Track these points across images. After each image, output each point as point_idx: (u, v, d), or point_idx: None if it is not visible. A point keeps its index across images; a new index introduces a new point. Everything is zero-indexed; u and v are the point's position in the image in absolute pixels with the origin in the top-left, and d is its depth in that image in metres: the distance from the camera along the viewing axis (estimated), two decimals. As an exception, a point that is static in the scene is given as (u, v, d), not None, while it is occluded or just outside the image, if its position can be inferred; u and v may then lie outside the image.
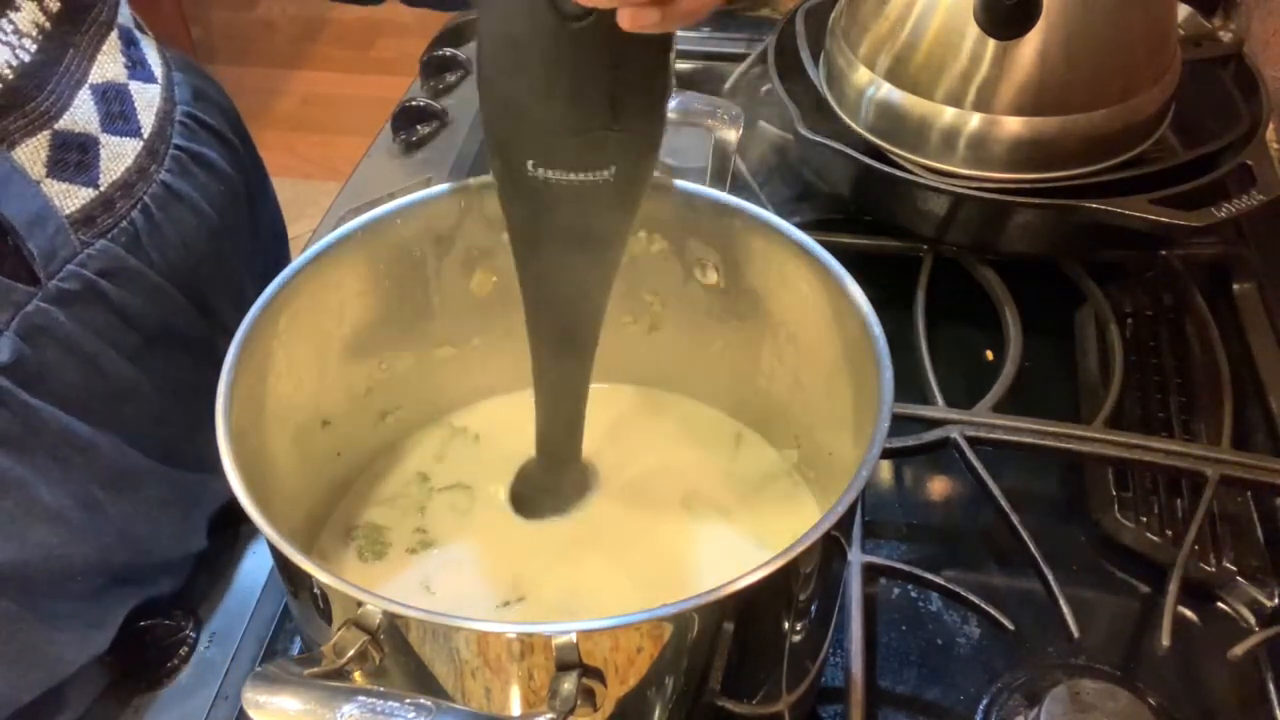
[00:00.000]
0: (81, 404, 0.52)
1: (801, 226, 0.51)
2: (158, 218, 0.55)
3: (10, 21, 0.50)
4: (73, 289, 0.51)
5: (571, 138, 0.39)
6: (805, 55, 0.84)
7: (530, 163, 0.40)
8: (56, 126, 0.51)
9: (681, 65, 1.00)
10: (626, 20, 0.35)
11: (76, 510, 0.52)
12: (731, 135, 0.61)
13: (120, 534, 0.54)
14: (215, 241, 0.60)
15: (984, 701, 0.55)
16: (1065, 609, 0.55)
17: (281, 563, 0.40)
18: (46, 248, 0.49)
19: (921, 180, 0.72)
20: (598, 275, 0.45)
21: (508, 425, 0.61)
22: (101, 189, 0.53)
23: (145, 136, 0.56)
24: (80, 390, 0.52)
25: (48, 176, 0.50)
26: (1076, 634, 0.54)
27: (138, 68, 0.57)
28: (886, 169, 0.73)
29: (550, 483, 0.55)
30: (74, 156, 0.51)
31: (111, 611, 0.56)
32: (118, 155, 0.54)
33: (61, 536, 0.51)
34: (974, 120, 0.72)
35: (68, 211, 0.51)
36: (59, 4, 0.52)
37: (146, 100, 0.56)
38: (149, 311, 0.55)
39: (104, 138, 0.53)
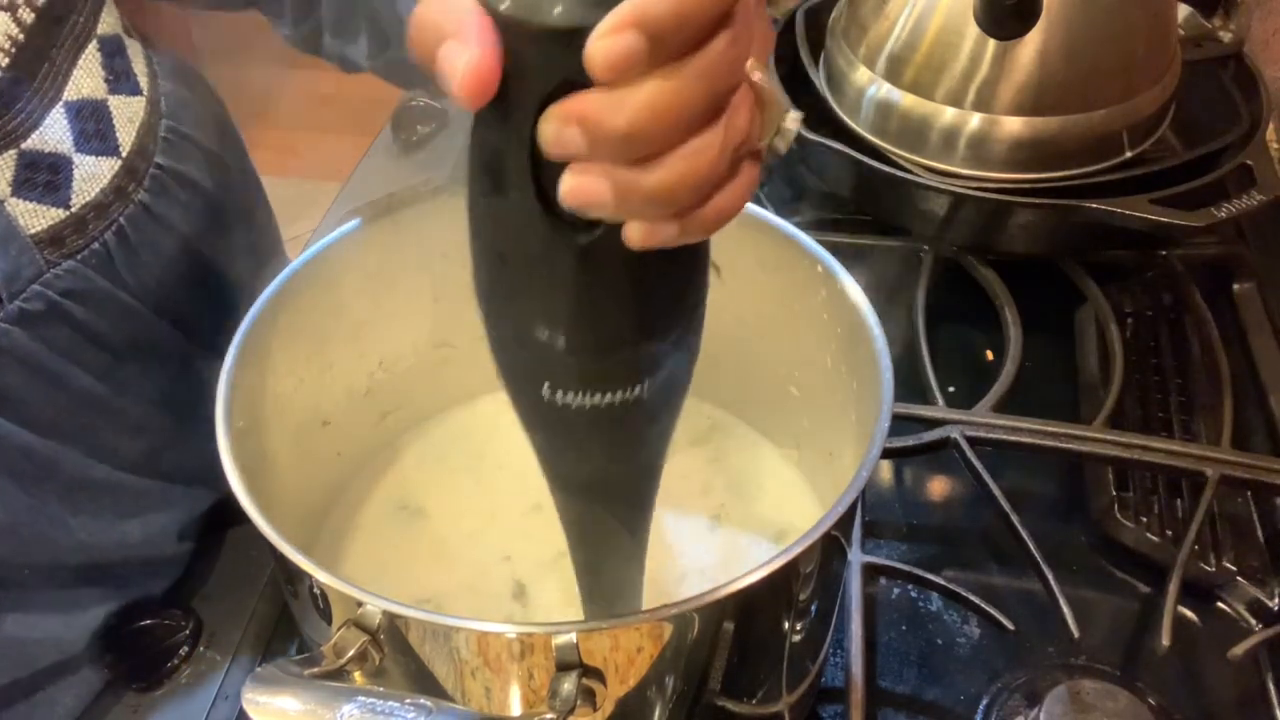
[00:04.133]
0: (45, 421, 0.50)
1: (801, 226, 0.51)
2: (133, 240, 0.53)
3: None
4: (36, 309, 0.49)
5: (591, 359, 0.33)
6: (805, 55, 0.84)
7: (546, 387, 0.34)
8: (24, 146, 0.48)
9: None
10: (637, 238, 0.28)
11: (30, 524, 0.51)
12: (731, 135, 0.61)
13: (80, 543, 0.53)
14: (195, 261, 0.58)
15: (984, 701, 0.55)
16: (1065, 609, 0.55)
17: (281, 562, 0.40)
18: (8, 269, 0.48)
19: (921, 180, 0.72)
20: (638, 483, 0.40)
21: (509, 421, 0.61)
22: (73, 209, 0.50)
23: (124, 155, 0.53)
24: (44, 408, 0.50)
25: (13, 195, 0.48)
26: (1076, 634, 0.54)
27: (120, 80, 0.54)
28: (886, 169, 0.73)
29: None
30: (43, 176, 0.49)
31: (79, 605, 0.55)
32: (92, 175, 0.51)
33: (10, 548, 0.50)
34: (974, 120, 0.72)
35: (33, 231, 0.49)
36: (33, 14, 0.49)
37: (128, 116, 0.54)
38: (119, 331, 0.53)
39: (77, 158, 0.51)
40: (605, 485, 0.39)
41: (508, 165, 0.29)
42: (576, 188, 0.27)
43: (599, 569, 0.44)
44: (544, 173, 0.28)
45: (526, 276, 0.32)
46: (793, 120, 0.30)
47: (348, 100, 2.46)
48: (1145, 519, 0.61)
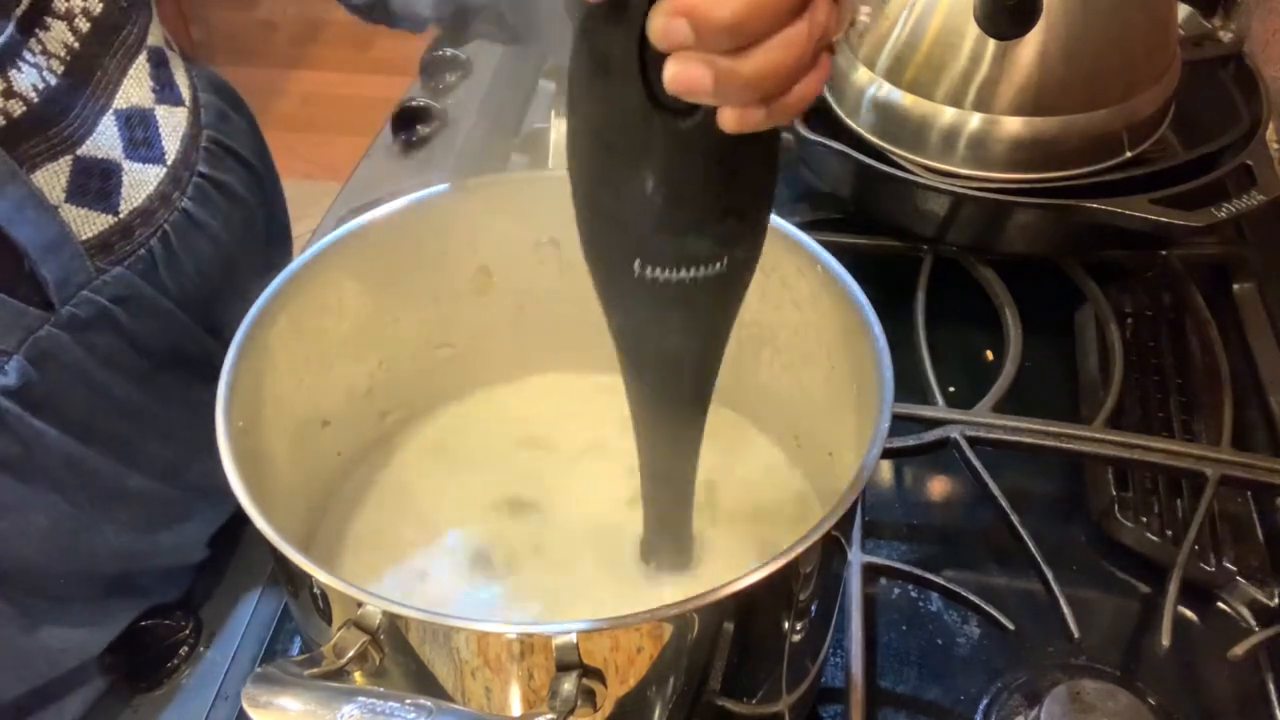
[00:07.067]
0: (86, 427, 0.51)
1: (801, 226, 0.51)
2: (176, 246, 0.54)
3: (39, 42, 0.48)
4: (85, 315, 0.50)
5: (681, 235, 0.36)
6: (805, 55, 0.84)
7: (638, 263, 0.37)
8: (79, 152, 0.49)
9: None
10: (730, 122, 0.32)
11: (70, 532, 0.51)
12: (732, 135, 0.61)
13: (114, 551, 0.54)
14: (230, 268, 0.59)
15: (984, 701, 0.55)
16: (1065, 609, 0.55)
17: (281, 563, 0.40)
18: (61, 274, 0.48)
19: (921, 180, 0.72)
20: (705, 363, 0.43)
21: (507, 420, 0.61)
22: (121, 216, 0.51)
23: (169, 163, 0.54)
24: (85, 414, 0.51)
25: (66, 202, 0.49)
26: (1076, 634, 0.54)
27: (165, 90, 0.55)
28: (886, 169, 0.73)
29: (663, 547, 0.53)
30: (95, 183, 0.50)
31: (108, 615, 0.55)
32: (140, 182, 0.52)
33: (49, 556, 0.51)
34: (974, 120, 0.72)
35: (85, 237, 0.50)
36: (89, 24, 0.50)
37: (172, 125, 0.55)
38: (159, 337, 0.54)
39: (127, 164, 0.52)
40: (677, 361, 0.42)
41: (615, 55, 0.32)
42: (680, 74, 0.30)
43: (660, 456, 0.47)
44: (649, 62, 0.32)
45: (627, 159, 0.35)
46: (864, 13, 0.35)
47: (348, 100, 2.46)
48: (1145, 519, 0.61)
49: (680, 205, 0.36)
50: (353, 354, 0.55)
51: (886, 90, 0.75)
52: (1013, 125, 0.71)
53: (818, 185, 0.82)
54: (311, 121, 2.42)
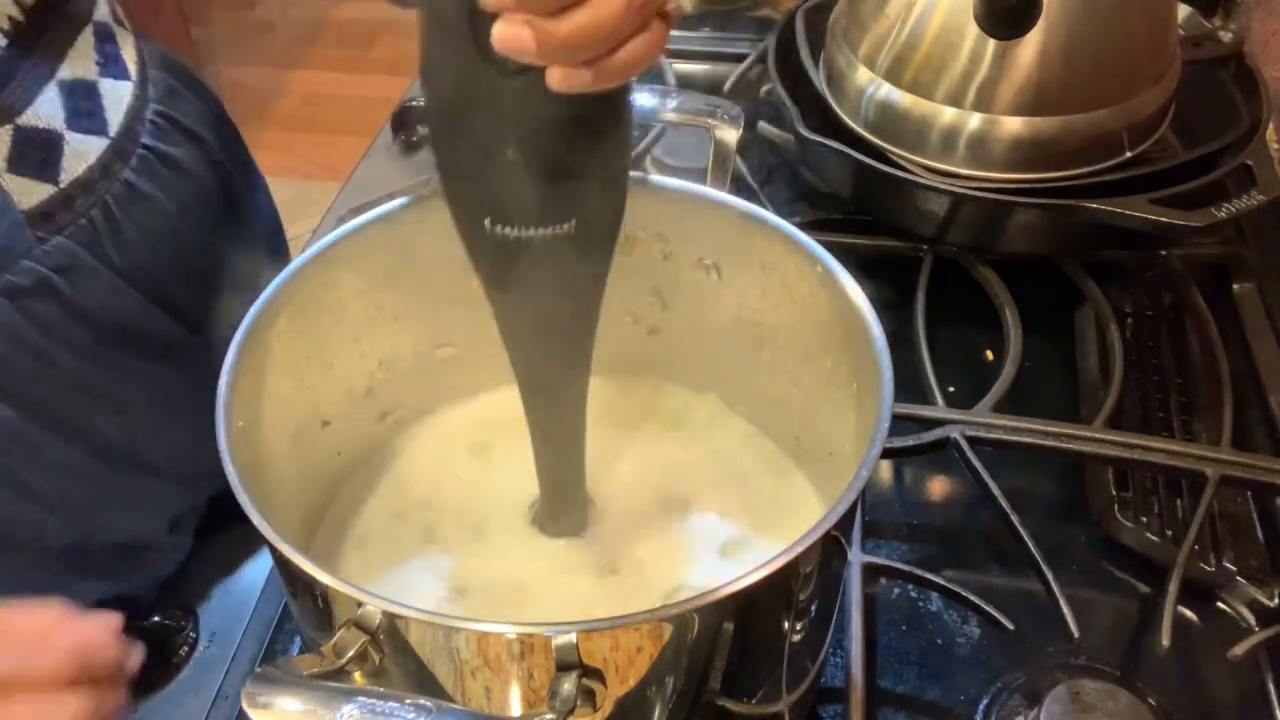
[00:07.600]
0: (32, 400, 0.51)
1: (801, 226, 0.51)
2: (119, 217, 0.55)
3: None
4: (25, 284, 0.50)
5: (524, 193, 0.37)
6: (805, 55, 0.84)
7: (487, 220, 0.38)
8: (19, 121, 0.50)
9: (681, 65, 1.01)
10: (556, 81, 0.33)
11: (11, 502, 0.52)
12: (731, 135, 0.61)
13: (61, 527, 0.54)
14: (183, 243, 0.59)
15: (984, 701, 0.55)
16: (1065, 609, 0.55)
17: (281, 563, 0.40)
18: (1, 243, 0.49)
19: (921, 180, 0.72)
20: (575, 325, 0.44)
21: (508, 421, 0.61)
22: (62, 186, 0.52)
23: (112, 135, 0.55)
24: (31, 386, 0.51)
25: (7, 171, 0.50)
26: (1076, 634, 0.54)
27: (110, 64, 0.56)
28: (886, 169, 0.73)
29: (559, 512, 0.54)
30: (37, 153, 0.51)
31: (67, 593, 0.55)
32: (81, 153, 0.53)
33: None
34: (974, 120, 0.72)
35: (25, 207, 0.50)
36: None
37: (116, 98, 0.55)
38: (105, 310, 0.54)
39: (69, 135, 0.52)
40: (542, 319, 0.43)
41: (450, 16, 0.34)
42: (504, 33, 0.32)
43: (544, 419, 0.48)
44: (480, 22, 0.33)
45: (467, 117, 0.36)
46: None
47: (348, 100, 2.47)
48: (1145, 519, 0.61)
49: (520, 164, 0.37)
50: (353, 354, 0.55)
51: (886, 90, 0.75)
52: (1013, 125, 0.71)
53: (818, 185, 0.82)
54: (311, 121, 2.42)
